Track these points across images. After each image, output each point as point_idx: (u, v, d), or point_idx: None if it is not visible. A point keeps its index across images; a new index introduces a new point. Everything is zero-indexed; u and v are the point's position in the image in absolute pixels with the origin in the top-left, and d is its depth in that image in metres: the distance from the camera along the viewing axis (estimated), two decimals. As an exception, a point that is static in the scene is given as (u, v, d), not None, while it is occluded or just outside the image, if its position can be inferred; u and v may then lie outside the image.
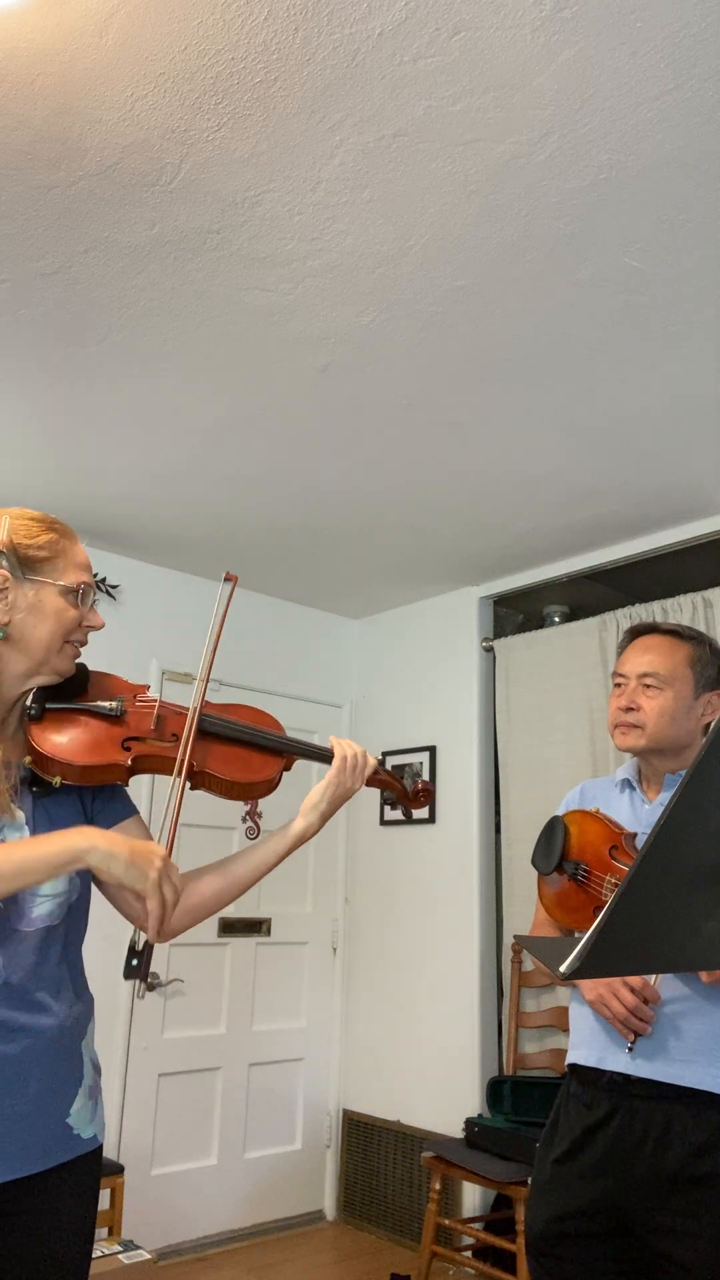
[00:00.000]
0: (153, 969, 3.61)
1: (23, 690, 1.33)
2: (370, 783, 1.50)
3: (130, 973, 1.21)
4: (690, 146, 1.74)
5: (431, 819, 4.02)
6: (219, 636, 1.43)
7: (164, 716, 1.39)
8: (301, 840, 1.44)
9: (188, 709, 1.40)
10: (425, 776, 4.10)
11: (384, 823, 4.23)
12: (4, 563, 1.30)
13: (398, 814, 4.13)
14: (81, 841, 1.16)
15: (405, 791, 1.57)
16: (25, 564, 1.31)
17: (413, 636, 4.35)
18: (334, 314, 2.26)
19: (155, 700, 1.41)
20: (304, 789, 1.49)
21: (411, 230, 1.98)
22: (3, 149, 1.80)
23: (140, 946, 1.21)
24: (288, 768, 1.45)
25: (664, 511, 3.31)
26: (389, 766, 4.26)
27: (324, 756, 1.47)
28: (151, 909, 1.18)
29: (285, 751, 1.45)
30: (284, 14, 1.52)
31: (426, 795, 1.59)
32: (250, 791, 1.41)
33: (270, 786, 1.43)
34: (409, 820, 1.66)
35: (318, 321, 2.30)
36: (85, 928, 1.37)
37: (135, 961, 1.21)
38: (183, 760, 1.33)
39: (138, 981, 1.21)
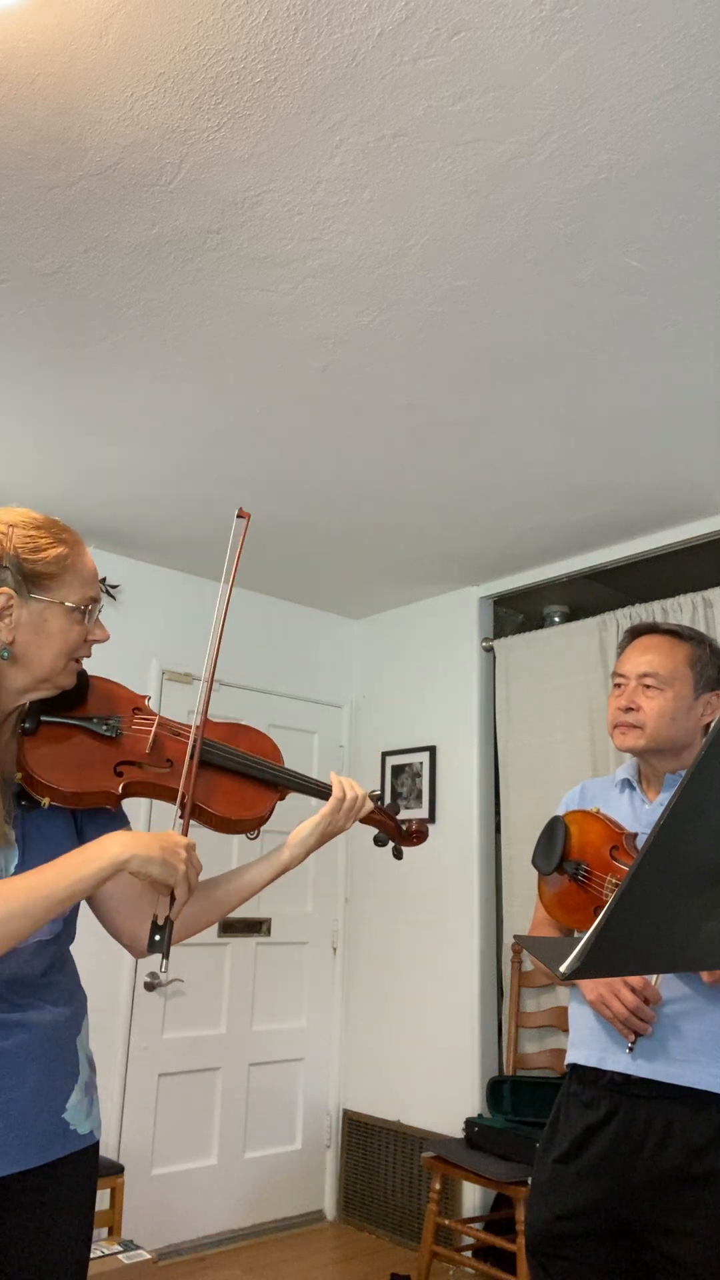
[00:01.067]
0: (152, 969, 3.63)
1: (19, 704, 1.30)
2: (364, 821, 1.47)
3: (154, 947, 1.22)
4: (690, 146, 1.74)
5: (431, 819, 4.02)
6: (234, 579, 1.39)
7: (161, 739, 1.34)
8: (285, 870, 1.43)
9: (187, 728, 1.36)
10: (425, 776, 4.10)
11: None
12: (8, 580, 1.24)
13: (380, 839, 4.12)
14: (120, 851, 1.17)
15: (399, 830, 1.51)
16: (30, 580, 1.25)
17: (413, 636, 4.36)
18: (334, 314, 2.26)
19: (154, 718, 1.36)
20: (305, 799, 1.48)
21: (411, 230, 1.98)
22: (3, 149, 1.80)
23: (163, 922, 1.23)
24: (282, 798, 1.42)
25: (664, 511, 3.31)
26: (389, 767, 4.26)
27: (320, 793, 1.44)
28: (180, 896, 1.21)
29: (282, 785, 1.41)
30: (284, 14, 1.52)
31: (420, 836, 1.52)
32: (240, 828, 1.37)
33: (260, 822, 1.39)
34: (393, 854, 1.58)
35: (318, 321, 2.30)
36: (74, 933, 1.37)
37: (158, 937, 1.22)
38: (185, 795, 1.30)
39: (161, 957, 1.22)
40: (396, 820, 1.51)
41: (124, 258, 2.09)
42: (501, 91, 1.65)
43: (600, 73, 1.60)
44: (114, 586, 3.79)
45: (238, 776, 1.39)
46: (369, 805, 1.46)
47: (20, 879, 1.15)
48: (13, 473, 3.15)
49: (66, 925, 1.32)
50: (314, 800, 1.45)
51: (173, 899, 1.22)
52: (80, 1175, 1.29)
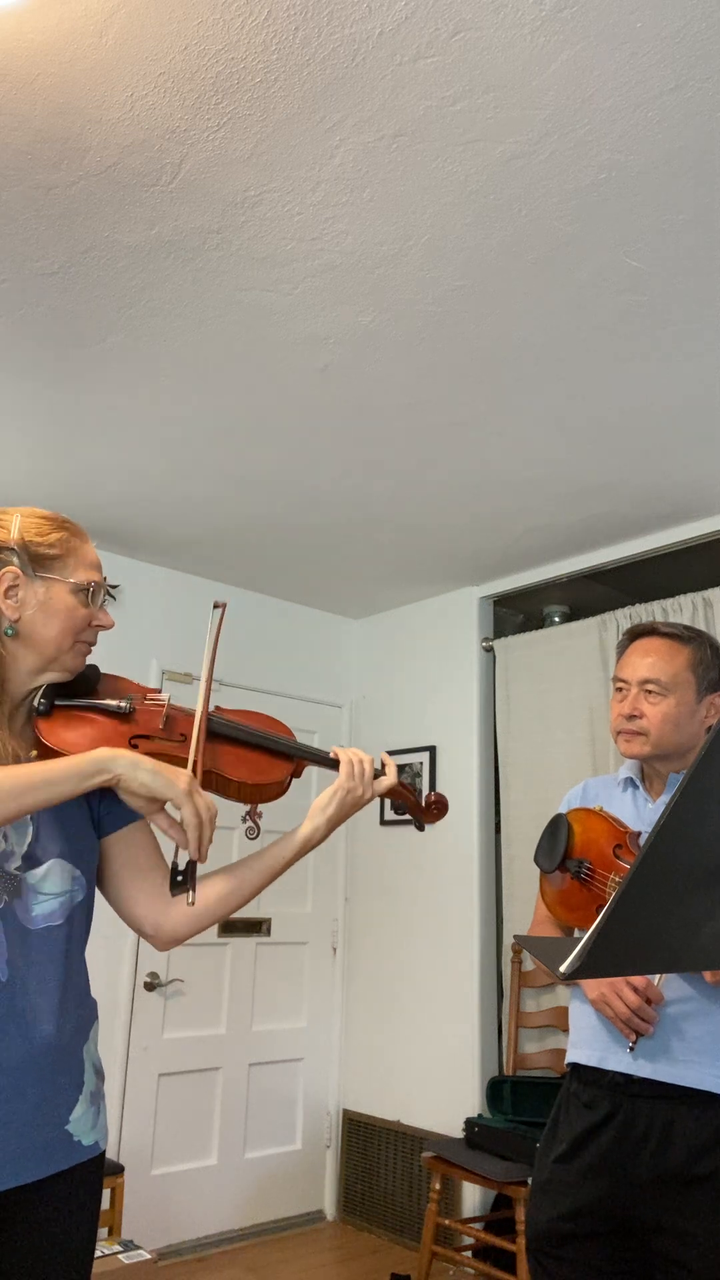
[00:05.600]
0: (152, 969, 3.63)
1: (32, 687, 1.33)
2: (382, 793, 1.47)
3: (176, 887, 1.25)
4: (690, 146, 1.74)
5: (431, 819, 4.02)
6: (213, 661, 1.41)
7: (173, 716, 1.38)
8: (308, 845, 1.42)
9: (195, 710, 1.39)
10: (425, 776, 4.10)
11: (384, 822, 4.23)
12: (15, 560, 1.30)
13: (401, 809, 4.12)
14: (106, 752, 1.19)
15: (418, 803, 1.53)
16: (36, 561, 1.31)
17: (413, 636, 4.36)
18: (334, 314, 2.26)
19: (165, 700, 1.40)
20: (307, 797, 1.48)
21: (411, 230, 1.98)
22: (3, 149, 1.80)
23: (183, 865, 1.25)
24: (297, 773, 1.43)
25: (664, 511, 3.31)
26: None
27: (333, 764, 1.45)
28: (187, 818, 1.21)
29: (294, 756, 1.43)
30: (284, 14, 1.52)
31: (441, 808, 1.53)
32: (259, 794, 1.39)
33: (280, 789, 1.41)
34: (414, 825, 1.59)
35: (318, 321, 2.30)
36: (88, 932, 1.37)
37: (180, 878, 1.25)
38: (195, 760, 1.32)
39: (188, 893, 1.26)
40: (415, 793, 1.53)
41: (124, 258, 2.09)
42: (501, 91, 1.65)
43: (600, 73, 1.60)
44: (114, 586, 3.79)
45: (251, 747, 1.42)
46: (385, 770, 1.49)
47: (8, 768, 1.16)
48: (13, 472, 3.15)
49: (76, 913, 1.31)
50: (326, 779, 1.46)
51: (195, 844, 1.22)
52: (84, 1186, 1.27)
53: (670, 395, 2.57)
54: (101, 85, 1.66)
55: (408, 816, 1.54)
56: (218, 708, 1.43)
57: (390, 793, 1.49)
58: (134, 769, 1.19)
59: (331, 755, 1.45)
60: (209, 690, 1.38)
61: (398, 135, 1.74)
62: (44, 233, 2.01)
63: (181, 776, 1.22)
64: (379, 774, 1.48)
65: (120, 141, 1.77)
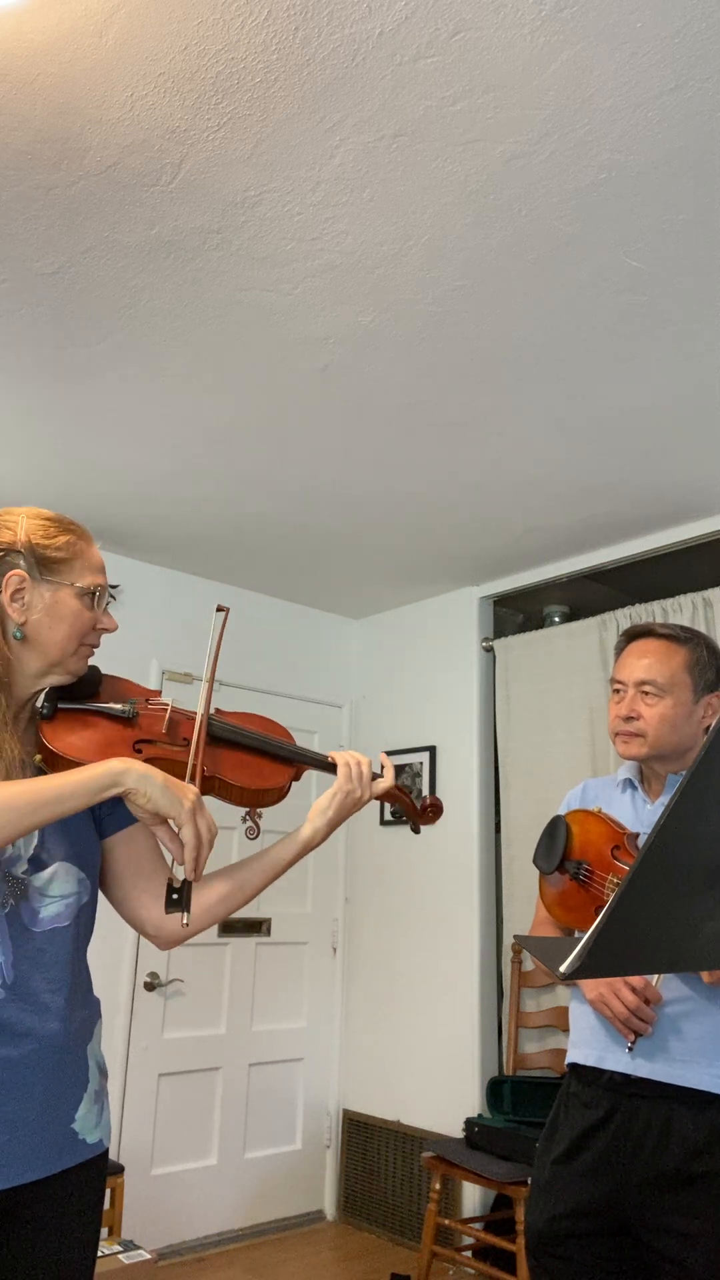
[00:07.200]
0: (152, 969, 3.64)
1: (35, 689, 1.34)
2: (380, 796, 1.50)
3: (172, 906, 1.25)
4: (690, 146, 1.74)
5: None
6: (214, 666, 1.42)
7: (176, 720, 1.39)
8: (309, 847, 1.44)
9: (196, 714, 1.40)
10: (425, 776, 4.10)
11: (384, 823, 4.23)
12: (22, 563, 1.30)
13: (398, 813, 4.13)
14: (118, 765, 1.19)
15: (414, 806, 1.56)
16: (43, 565, 1.31)
17: (413, 636, 4.36)
18: (334, 314, 2.26)
19: (168, 704, 1.41)
20: (306, 797, 1.49)
21: (411, 230, 1.98)
22: (3, 149, 1.80)
23: (178, 884, 1.25)
24: (297, 777, 1.45)
25: (664, 511, 3.31)
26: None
27: (331, 767, 1.47)
28: (187, 838, 1.21)
29: (295, 761, 1.45)
30: (284, 14, 1.52)
31: (436, 811, 1.57)
32: (260, 798, 1.40)
33: (280, 794, 1.43)
34: (410, 827, 1.62)
35: (318, 321, 2.30)
36: (91, 932, 1.37)
37: (176, 896, 1.25)
38: (196, 764, 1.33)
39: (183, 913, 1.27)
40: (410, 796, 1.55)
41: (124, 258, 2.09)
42: (501, 91, 1.65)
43: (600, 73, 1.60)
44: (114, 586, 3.79)
45: (252, 752, 1.42)
46: (383, 773, 1.51)
47: (21, 782, 1.16)
48: (12, 472, 3.15)
49: (81, 915, 1.32)
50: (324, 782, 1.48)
51: (190, 863, 1.22)
52: (88, 1184, 1.28)
53: (670, 395, 2.57)
54: (101, 85, 1.66)
55: (404, 818, 1.57)
56: (218, 710, 1.43)
57: (387, 795, 1.51)
58: (145, 783, 1.19)
59: (329, 759, 1.47)
60: (210, 696, 1.38)
61: (398, 135, 1.74)
62: (44, 233, 2.01)
63: (188, 795, 1.22)
64: (377, 776, 1.49)
65: (120, 141, 1.77)
